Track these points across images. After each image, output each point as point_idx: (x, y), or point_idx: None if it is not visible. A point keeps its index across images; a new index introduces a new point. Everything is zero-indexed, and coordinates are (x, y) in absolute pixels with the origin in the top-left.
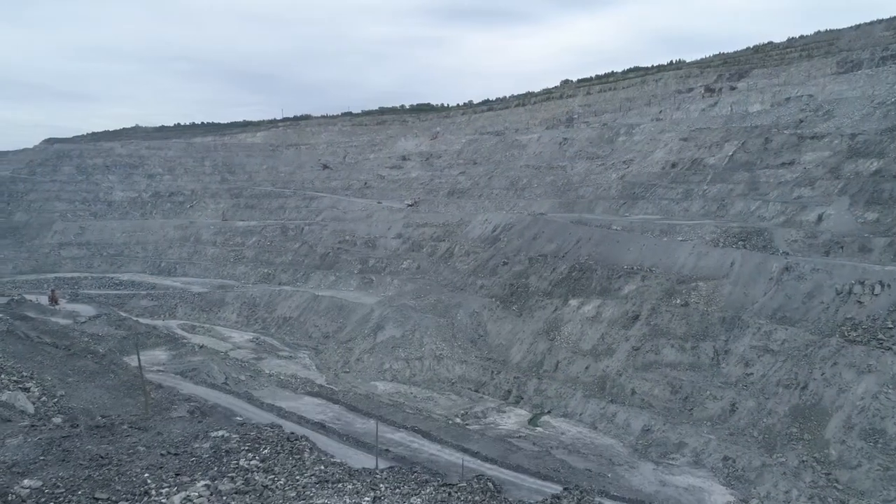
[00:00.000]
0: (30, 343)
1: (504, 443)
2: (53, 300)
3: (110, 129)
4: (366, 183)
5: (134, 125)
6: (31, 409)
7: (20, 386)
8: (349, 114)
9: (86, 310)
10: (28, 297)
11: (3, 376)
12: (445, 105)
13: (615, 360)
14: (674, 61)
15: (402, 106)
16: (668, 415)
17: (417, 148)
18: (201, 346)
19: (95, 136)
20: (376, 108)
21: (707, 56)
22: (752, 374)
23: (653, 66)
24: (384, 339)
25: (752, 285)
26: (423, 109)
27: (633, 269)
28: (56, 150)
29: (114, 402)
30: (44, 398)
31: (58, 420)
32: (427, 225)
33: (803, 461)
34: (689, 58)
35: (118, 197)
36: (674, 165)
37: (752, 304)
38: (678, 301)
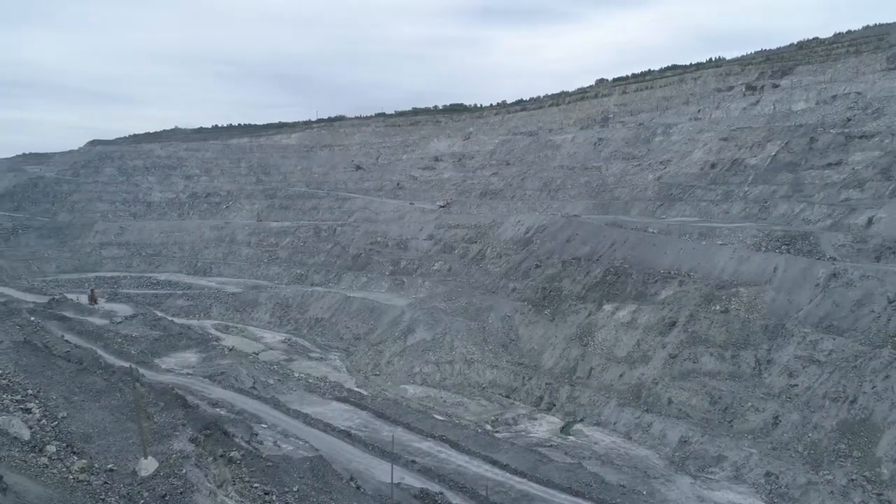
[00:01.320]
0: (43, 356)
1: (534, 453)
2: (93, 299)
3: (151, 131)
4: (398, 184)
5: (173, 127)
6: (26, 434)
7: (21, 406)
8: (382, 114)
9: (123, 309)
10: (69, 296)
11: (6, 396)
12: (479, 105)
13: (651, 367)
14: (713, 59)
15: (436, 106)
16: (707, 426)
17: (450, 148)
18: (231, 349)
19: (137, 138)
20: (410, 108)
21: (748, 53)
22: (796, 385)
23: (691, 63)
24: (414, 342)
25: (796, 292)
26: (456, 110)
27: (670, 273)
28: (98, 152)
29: (115, 427)
30: (43, 421)
31: (52, 448)
32: (459, 226)
33: (852, 480)
34: (729, 55)
35: (157, 198)
36: (713, 166)
37: (796, 311)
38: (718, 307)
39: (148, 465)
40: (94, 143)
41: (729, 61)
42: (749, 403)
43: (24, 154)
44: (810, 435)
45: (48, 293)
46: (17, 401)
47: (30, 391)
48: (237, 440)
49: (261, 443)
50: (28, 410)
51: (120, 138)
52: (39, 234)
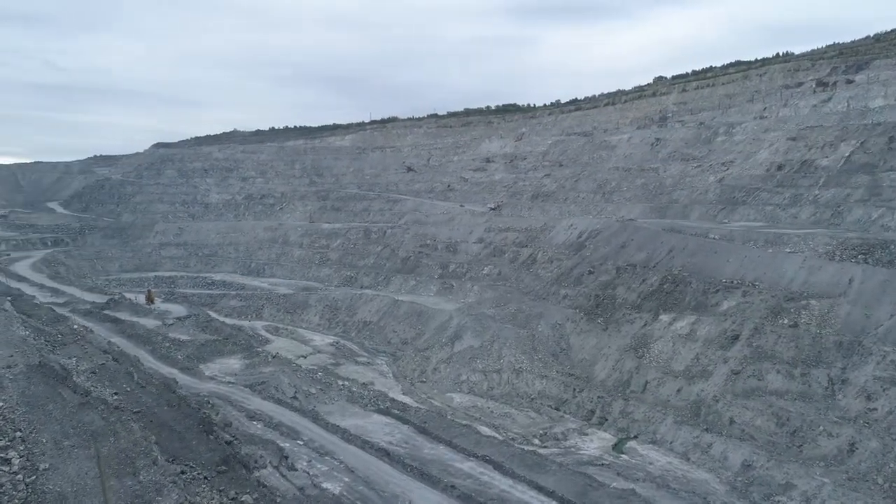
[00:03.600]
0: (52, 383)
1: (584, 476)
2: (150, 299)
3: (211, 134)
4: (449, 185)
5: (232, 129)
6: None
7: (1, 455)
8: (435, 115)
9: (178, 310)
10: (128, 295)
11: None
12: (532, 105)
13: (711, 383)
14: (780, 53)
15: (488, 107)
16: (773, 450)
17: (502, 149)
18: (274, 356)
19: (198, 141)
20: (462, 109)
21: (819, 47)
22: (875, 409)
23: (756, 59)
24: (462, 348)
25: (875, 306)
26: (508, 110)
27: (732, 282)
28: (161, 155)
29: (95, 485)
30: (20, 476)
31: None
32: (509, 229)
33: None
34: (797, 49)
35: (214, 199)
36: (780, 167)
37: (875, 327)
38: (786, 321)
39: None
40: (157, 145)
41: (798, 56)
42: (821, 427)
43: (94, 156)
44: (892, 465)
45: (108, 293)
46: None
47: (19, 433)
48: (261, 470)
49: (292, 466)
50: (8, 461)
51: (182, 141)
52: (104, 234)
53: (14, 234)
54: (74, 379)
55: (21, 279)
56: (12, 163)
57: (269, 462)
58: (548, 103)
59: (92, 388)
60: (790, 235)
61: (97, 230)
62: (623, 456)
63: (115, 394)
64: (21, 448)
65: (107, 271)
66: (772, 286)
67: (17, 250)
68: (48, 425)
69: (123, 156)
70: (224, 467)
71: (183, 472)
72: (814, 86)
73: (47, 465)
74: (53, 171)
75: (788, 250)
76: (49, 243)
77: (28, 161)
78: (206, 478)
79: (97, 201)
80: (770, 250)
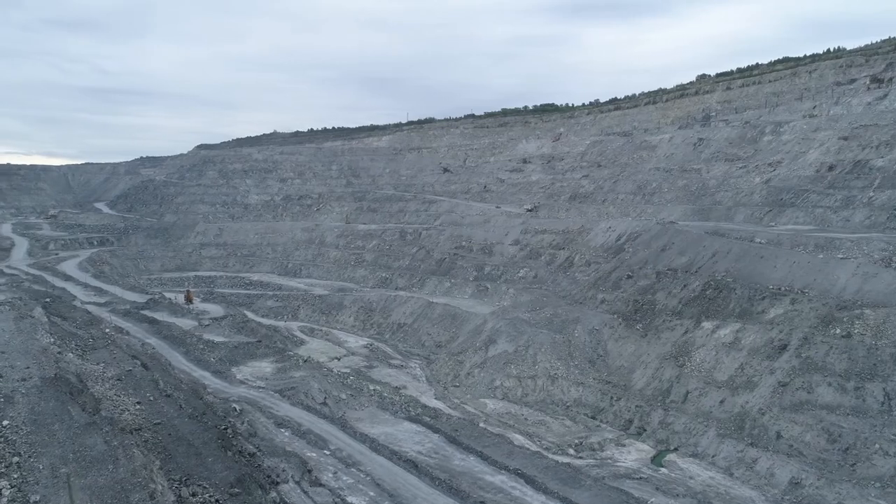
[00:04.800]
0: (63, 399)
1: (620, 492)
2: (188, 299)
3: (252, 135)
4: (485, 186)
5: (272, 131)
6: None
7: None
8: (472, 116)
9: (215, 310)
10: (168, 295)
11: None
12: (570, 105)
13: (757, 395)
14: (831, 49)
15: (525, 107)
16: (824, 468)
17: (539, 150)
18: (306, 360)
19: (239, 142)
20: (499, 109)
21: (873, 42)
22: None
23: (806, 55)
24: (496, 353)
25: None
26: (546, 110)
27: (780, 289)
28: (203, 156)
29: None
30: None
31: None
32: (546, 231)
33: None
34: (850, 45)
35: (253, 200)
36: (831, 168)
37: None
38: (838, 331)
39: None
40: (200, 147)
41: (850, 51)
42: (877, 445)
43: (141, 158)
44: None
45: (149, 292)
46: None
47: (17, 458)
48: (283, 485)
49: (315, 480)
50: None
51: (223, 142)
52: (147, 234)
53: (63, 233)
54: (92, 390)
55: (67, 278)
56: (63, 164)
57: (291, 476)
58: (586, 103)
59: (114, 397)
60: (842, 240)
61: (141, 230)
62: (662, 469)
63: (138, 403)
64: (15, 476)
65: (149, 270)
66: (822, 294)
67: (66, 250)
68: (49, 448)
69: (168, 157)
70: (237, 489)
71: (194, 495)
72: (868, 82)
73: (38, 498)
74: (101, 172)
75: (840, 256)
76: (95, 243)
77: (79, 162)
78: (216, 501)
79: (141, 202)
80: (821, 256)
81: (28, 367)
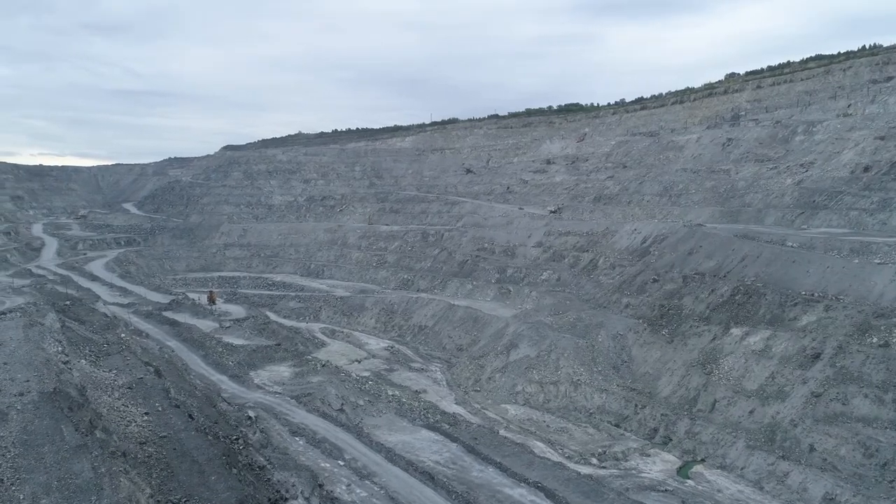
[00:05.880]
0: (57, 417)
1: None
2: (211, 300)
3: (277, 136)
4: (508, 188)
5: (297, 132)
6: None
7: None
8: (495, 116)
9: (238, 311)
10: (191, 296)
11: None
12: (595, 105)
13: (788, 406)
14: (867, 46)
15: (550, 107)
16: (860, 483)
17: (563, 151)
18: (324, 364)
19: (264, 143)
20: (523, 109)
21: None
22: None
23: (839, 52)
24: (517, 357)
25: None
26: (571, 110)
27: (813, 295)
28: (228, 157)
29: None
30: None
31: None
32: (570, 233)
33: None
34: (886, 41)
35: (277, 201)
36: (866, 169)
37: None
38: (875, 340)
39: None
40: (226, 148)
41: (887, 48)
42: None
43: (169, 158)
44: None
45: (173, 293)
46: None
47: (1, 484)
48: (291, 502)
49: (327, 495)
50: None
51: (248, 143)
52: (173, 235)
53: (91, 234)
54: (96, 403)
55: (94, 278)
56: (94, 165)
57: (301, 492)
58: (612, 102)
59: (121, 408)
60: (879, 244)
61: (167, 230)
62: (688, 481)
63: (146, 414)
64: None
65: (174, 271)
66: (858, 300)
67: (94, 250)
68: (34, 475)
69: (195, 158)
70: None
71: None
72: None
73: None
74: (130, 172)
75: (877, 261)
76: (122, 243)
77: (109, 163)
78: None
79: (168, 202)
80: (856, 260)
81: (28, 381)
